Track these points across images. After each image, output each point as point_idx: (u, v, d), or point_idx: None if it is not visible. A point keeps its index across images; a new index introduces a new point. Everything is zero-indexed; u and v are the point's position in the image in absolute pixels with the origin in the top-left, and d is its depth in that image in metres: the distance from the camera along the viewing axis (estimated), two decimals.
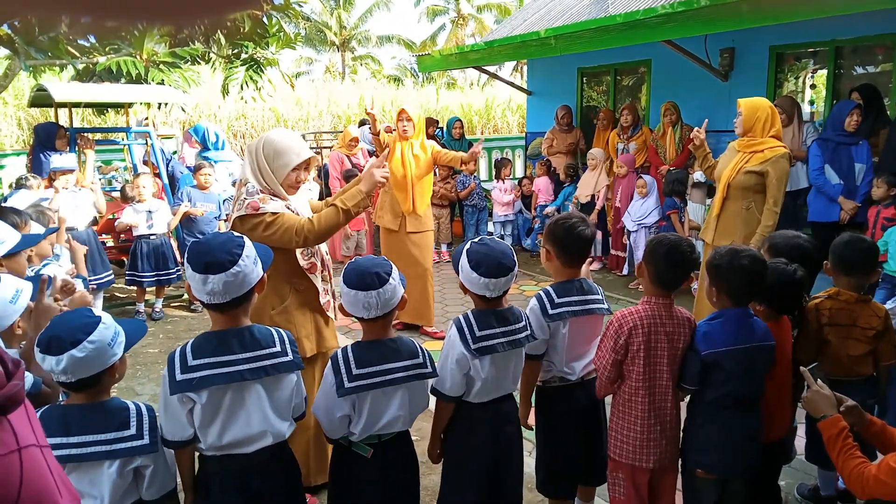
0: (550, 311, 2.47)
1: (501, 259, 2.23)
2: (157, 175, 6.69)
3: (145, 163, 7.25)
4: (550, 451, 2.65)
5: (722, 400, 2.35)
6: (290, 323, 2.80)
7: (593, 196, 7.30)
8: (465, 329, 2.25)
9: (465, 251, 2.29)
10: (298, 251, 2.81)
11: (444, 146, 8.42)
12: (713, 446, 2.38)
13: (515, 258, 2.31)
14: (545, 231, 2.65)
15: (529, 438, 3.25)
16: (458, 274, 2.34)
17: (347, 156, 7.66)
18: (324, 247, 3.00)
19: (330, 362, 2.12)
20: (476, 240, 2.32)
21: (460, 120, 8.83)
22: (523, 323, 2.35)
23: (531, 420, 2.69)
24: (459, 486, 2.36)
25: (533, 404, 2.69)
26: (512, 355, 2.33)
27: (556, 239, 2.55)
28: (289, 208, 2.77)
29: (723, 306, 2.41)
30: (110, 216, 6.28)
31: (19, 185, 5.47)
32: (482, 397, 2.31)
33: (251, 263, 1.96)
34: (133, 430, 1.82)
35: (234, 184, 6.60)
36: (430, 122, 8.59)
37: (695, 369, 2.35)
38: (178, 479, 2.02)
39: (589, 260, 2.67)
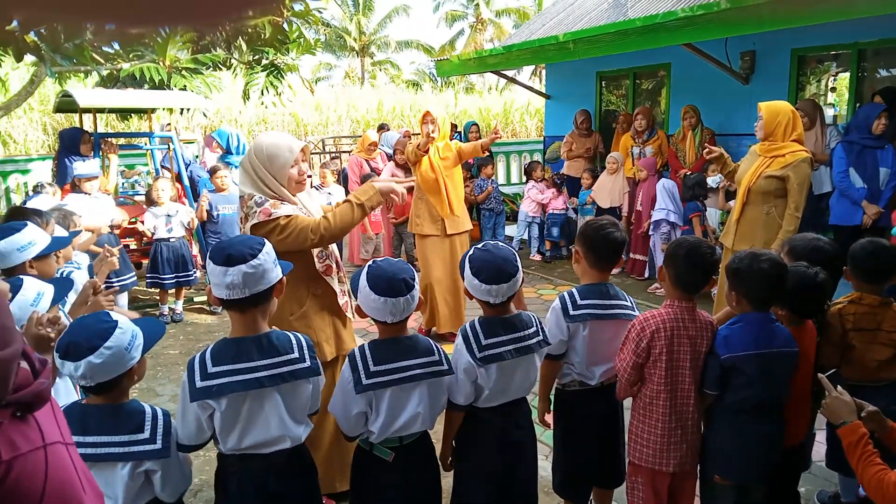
0: (572, 312, 2.46)
1: (502, 265, 2.22)
2: (178, 179, 6.78)
3: (164, 167, 7.35)
4: (568, 455, 2.64)
5: (740, 405, 2.33)
6: (310, 328, 2.80)
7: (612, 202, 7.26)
8: (472, 338, 2.24)
9: (467, 257, 2.29)
10: (314, 254, 2.82)
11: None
12: (731, 452, 2.36)
13: (519, 264, 2.28)
14: (578, 232, 2.67)
15: (546, 441, 3.25)
16: (463, 280, 2.35)
17: (366, 160, 7.71)
18: (335, 248, 3.01)
19: (347, 360, 2.14)
20: (479, 245, 2.32)
21: (476, 124, 8.83)
22: (534, 329, 2.33)
23: (548, 418, 2.69)
24: (470, 490, 2.36)
25: (551, 405, 2.69)
26: (521, 362, 2.30)
27: (586, 240, 2.56)
28: (301, 210, 2.77)
29: (743, 311, 2.39)
30: (133, 220, 6.37)
31: (36, 191, 5.57)
32: (491, 402, 2.30)
33: (270, 262, 1.98)
34: (147, 434, 1.85)
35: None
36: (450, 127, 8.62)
37: (714, 374, 2.34)
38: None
39: None
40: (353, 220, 2.76)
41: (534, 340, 2.31)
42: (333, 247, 2.98)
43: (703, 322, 2.37)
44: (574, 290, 2.53)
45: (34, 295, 2.20)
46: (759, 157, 4.10)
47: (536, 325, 2.35)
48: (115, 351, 1.78)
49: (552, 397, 2.69)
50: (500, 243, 2.36)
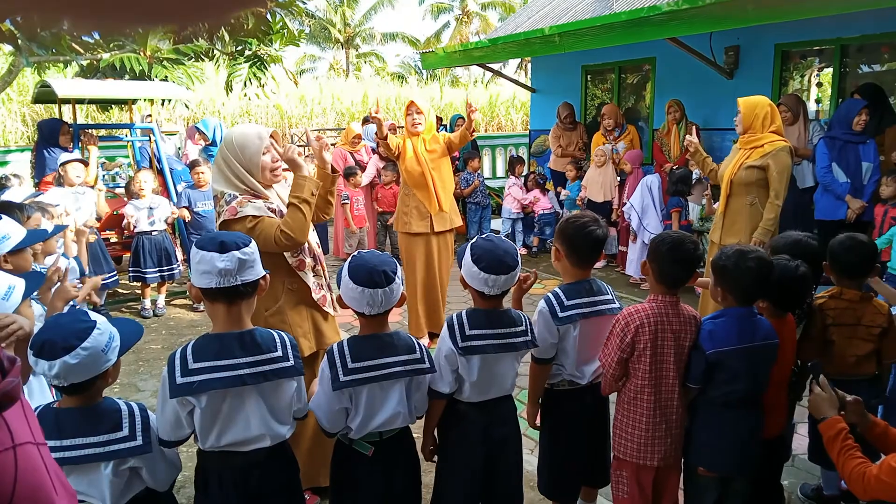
0: (560, 314, 2.43)
1: (504, 257, 2.21)
2: (160, 172, 6.69)
3: (144, 168, 7.25)
4: (555, 455, 2.62)
5: (725, 398, 2.34)
6: (285, 323, 2.75)
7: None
8: (456, 326, 2.24)
9: (469, 245, 2.28)
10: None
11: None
12: (715, 445, 2.37)
13: (519, 258, 2.28)
14: (557, 228, 2.61)
15: (533, 437, 3.24)
16: (460, 268, 2.33)
17: (350, 153, 7.66)
18: (314, 239, 2.96)
19: (326, 356, 2.12)
20: (482, 236, 2.31)
21: (462, 117, 8.80)
22: (522, 328, 2.31)
23: (537, 421, 2.67)
24: (451, 484, 2.35)
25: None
26: (505, 358, 2.30)
27: (566, 238, 2.51)
28: (270, 209, 2.70)
29: (728, 305, 2.40)
30: (114, 212, 6.28)
31: (2, 185, 5.45)
32: (475, 397, 2.29)
33: (257, 256, 1.98)
34: (126, 432, 1.82)
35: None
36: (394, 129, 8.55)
37: (700, 368, 2.34)
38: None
39: None
40: (305, 218, 2.63)
41: (520, 339, 2.29)
42: (310, 238, 2.92)
43: (687, 316, 2.37)
44: (559, 291, 2.49)
45: (4, 288, 2.14)
46: (739, 150, 4.15)
47: (526, 325, 2.33)
48: (92, 352, 1.74)
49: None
50: (503, 237, 2.35)
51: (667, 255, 2.33)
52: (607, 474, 2.60)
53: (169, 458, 1.96)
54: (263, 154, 2.70)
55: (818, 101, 6.99)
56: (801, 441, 3.23)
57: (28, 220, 3.21)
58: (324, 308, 2.92)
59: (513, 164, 8.32)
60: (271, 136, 2.75)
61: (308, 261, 2.87)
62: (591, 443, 2.60)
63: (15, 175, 5.45)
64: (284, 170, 2.82)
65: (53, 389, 2.20)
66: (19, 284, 2.19)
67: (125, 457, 1.81)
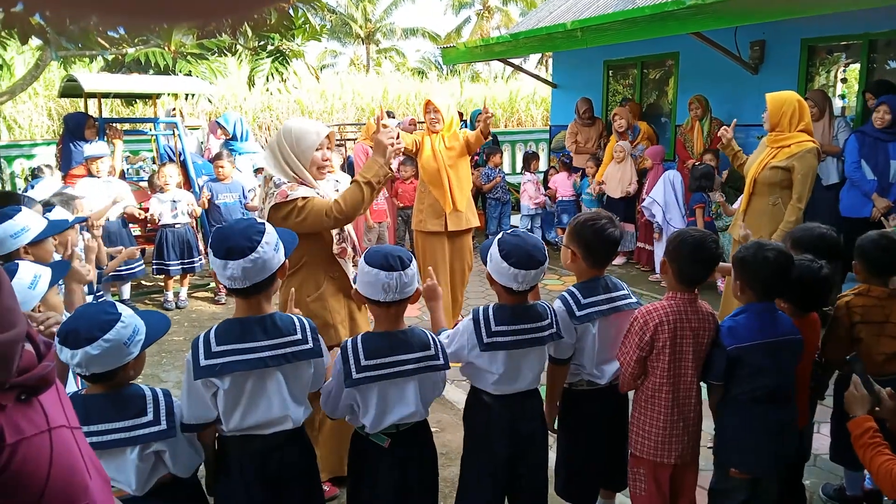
0: (578, 313, 2.40)
1: (532, 251, 2.20)
2: (183, 166, 6.77)
3: (171, 160, 7.33)
4: (573, 456, 2.60)
5: (751, 394, 2.32)
6: (326, 310, 2.85)
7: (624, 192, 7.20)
8: (482, 321, 2.24)
9: (496, 241, 2.27)
10: (333, 235, 2.85)
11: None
12: (746, 444, 2.34)
13: (546, 253, 2.28)
14: (570, 230, 2.55)
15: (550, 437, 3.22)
16: (485, 264, 2.32)
17: (371, 147, 7.67)
18: (353, 233, 3.02)
19: (340, 351, 2.13)
20: (509, 231, 2.30)
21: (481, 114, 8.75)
22: (548, 321, 2.30)
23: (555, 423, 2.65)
24: (477, 478, 2.36)
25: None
26: (532, 352, 2.30)
27: (583, 240, 2.47)
28: (318, 194, 2.81)
29: (748, 300, 2.38)
30: (138, 205, 6.37)
31: (35, 176, 5.56)
32: (501, 389, 2.30)
33: (271, 250, 1.97)
34: (150, 417, 1.86)
35: (255, 173, 6.63)
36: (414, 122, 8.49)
37: (721, 365, 2.32)
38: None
39: None
40: (363, 198, 2.76)
41: (546, 333, 2.29)
42: (351, 231, 3.00)
43: (705, 314, 2.36)
44: (574, 290, 2.47)
45: (31, 278, 2.19)
46: (766, 147, 4.09)
47: (551, 318, 2.32)
48: (113, 344, 1.78)
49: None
50: (529, 232, 2.34)
51: (688, 255, 2.31)
52: (625, 478, 2.58)
53: (192, 445, 2.00)
54: (317, 150, 2.81)
55: (843, 97, 6.88)
56: (822, 441, 3.20)
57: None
58: None
59: (528, 160, 8.25)
60: (328, 136, 2.85)
61: (350, 250, 2.96)
62: (610, 445, 2.58)
63: (48, 166, 5.56)
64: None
65: (78, 378, 2.24)
66: (45, 273, 2.24)
67: (150, 441, 1.84)
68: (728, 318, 2.38)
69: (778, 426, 2.35)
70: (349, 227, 2.99)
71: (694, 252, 2.30)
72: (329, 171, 2.97)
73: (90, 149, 5.69)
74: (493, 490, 2.35)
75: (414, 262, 2.16)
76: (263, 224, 2.03)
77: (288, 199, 2.69)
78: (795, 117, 3.96)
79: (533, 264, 2.20)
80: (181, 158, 6.69)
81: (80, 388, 2.27)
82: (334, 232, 2.86)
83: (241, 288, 1.95)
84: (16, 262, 2.29)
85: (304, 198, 2.71)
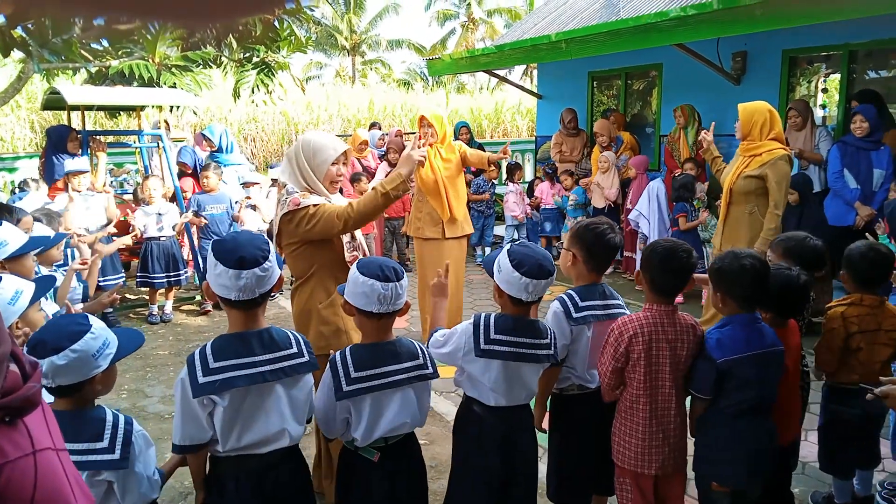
0: (575, 315, 2.43)
1: (543, 261, 2.22)
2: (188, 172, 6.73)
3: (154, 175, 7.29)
4: (564, 460, 2.60)
5: (737, 407, 2.32)
6: (337, 315, 2.84)
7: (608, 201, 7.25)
8: (482, 328, 2.24)
9: (505, 252, 2.27)
10: (343, 242, 2.88)
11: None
12: (727, 458, 2.34)
13: (555, 264, 2.29)
14: (571, 234, 2.58)
15: (542, 444, 3.22)
16: (492, 276, 2.32)
17: (357, 158, 7.68)
18: (363, 241, 3.04)
19: (329, 364, 2.11)
20: (516, 242, 2.32)
21: (467, 125, 8.76)
22: (547, 341, 2.30)
23: (545, 424, 2.66)
24: (468, 491, 2.34)
25: (548, 409, 2.65)
26: (526, 368, 2.29)
27: (584, 244, 2.50)
28: (328, 202, 2.85)
29: (730, 311, 2.38)
30: (122, 218, 6.31)
31: (22, 189, 5.51)
32: (493, 400, 2.28)
33: (275, 261, 1.99)
34: (105, 444, 1.78)
35: (243, 185, 6.62)
36: (400, 136, 8.47)
37: (710, 378, 2.31)
38: (174, 485, 2.01)
39: None
40: (377, 207, 2.80)
41: (543, 352, 2.28)
42: (361, 239, 3.02)
43: (684, 325, 2.35)
44: (572, 293, 2.50)
45: (11, 293, 2.14)
46: (740, 157, 4.15)
47: (551, 339, 2.32)
48: (81, 355, 1.74)
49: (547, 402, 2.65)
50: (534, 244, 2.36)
51: (658, 265, 2.31)
52: (612, 483, 2.59)
53: (146, 483, 1.88)
54: (332, 164, 2.85)
55: (824, 107, 6.97)
56: (810, 448, 3.21)
57: (18, 223, 3.18)
58: None
59: (511, 172, 8.23)
60: (344, 152, 2.90)
61: (361, 257, 2.95)
62: (601, 449, 2.58)
63: (34, 180, 5.51)
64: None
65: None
66: (27, 289, 2.19)
67: (99, 469, 1.76)
68: (713, 330, 2.37)
69: (758, 440, 2.35)
70: (360, 237, 3.02)
71: (664, 262, 2.31)
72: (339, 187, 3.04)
73: (71, 164, 5.64)
74: (485, 502, 2.33)
75: (406, 275, 2.16)
76: (264, 235, 2.04)
77: (300, 206, 2.73)
78: (766, 126, 4.02)
79: (543, 274, 2.21)
80: (192, 157, 6.67)
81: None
82: (345, 240, 2.88)
83: (246, 300, 1.92)
84: None
85: (315, 204, 2.75)
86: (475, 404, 2.32)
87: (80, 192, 5.43)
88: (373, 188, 2.87)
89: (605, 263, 2.54)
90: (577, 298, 2.46)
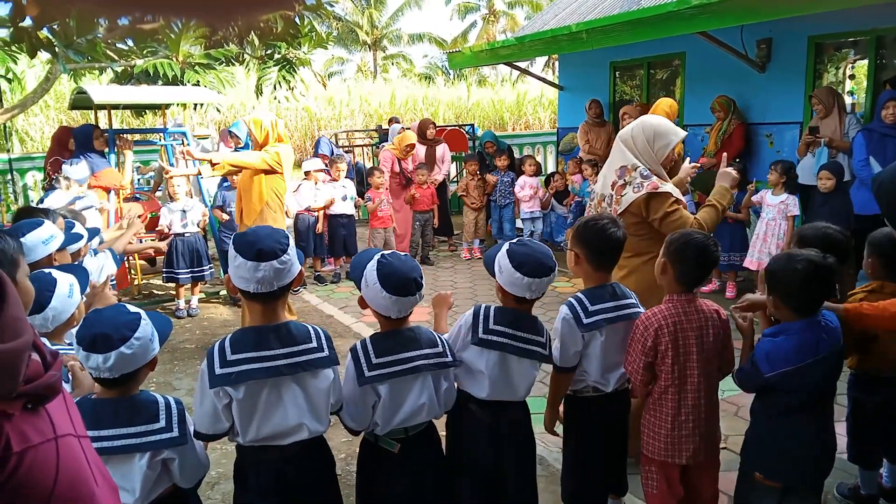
0: (586, 321, 2.36)
1: (543, 259, 2.22)
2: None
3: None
4: (580, 465, 2.57)
5: (790, 405, 2.26)
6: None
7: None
8: (481, 317, 2.25)
9: (504, 253, 2.25)
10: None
11: (483, 158, 8.25)
12: (780, 452, 2.28)
13: (554, 258, 2.28)
14: (572, 233, 2.54)
15: (550, 444, 3.19)
16: (494, 276, 2.31)
17: (400, 159, 7.59)
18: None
19: (350, 354, 2.14)
20: (514, 241, 2.30)
21: (493, 140, 8.76)
22: (543, 339, 2.30)
23: (558, 428, 2.62)
24: (458, 484, 2.33)
25: (560, 412, 2.62)
26: (521, 363, 2.28)
27: (585, 241, 2.45)
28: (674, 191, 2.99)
29: (784, 317, 2.26)
30: (150, 214, 6.42)
31: (52, 186, 5.60)
32: (489, 394, 2.26)
33: (294, 254, 2.01)
34: (162, 423, 1.86)
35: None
36: (427, 124, 8.26)
37: (753, 383, 2.29)
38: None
39: None
40: (717, 220, 3.00)
41: (537, 348, 2.28)
42: None
43: (707, 311, 2.35)
44: (581, 296, 2.43)
45: (67, 287, 2.27)
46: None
47: (546, 339, 2.32)
48: (143, 342, 1.82)
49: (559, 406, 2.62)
50: (526, 236, 2.35)
51: (692, 258, 2.30)
52: (625, 482, 2.60)
53: (200, 455, 1.99)
54: (672, 149, 3.02)
55: (852, 94, 6.83)
56: (840, 441, 3.17)
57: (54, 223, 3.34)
58: None
59: (519, 164, 8.10)
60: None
61: None
62: (616, 450, 2.56)
63: (65, 178, 5.56)
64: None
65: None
66: (75, 281, 2.33)
67: (161, 448, 1.84)
68: (765, 341, 2.26)
69: (814, 434, 2.28)
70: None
71: (699, 256, 2.30)
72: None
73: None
74: (479, 500, 2.32)
75: (423, 276, 2.16)
76: (285, 231, 2.07)
77: (659, 190, 2.87)
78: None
79: (545, 272, 2.21)
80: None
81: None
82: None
83: (265, 292, 1.95)
84: (44, 271, 2.33)
85: (676, 200, 2.89)
86: (469, 401, 2.31)
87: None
88: (710, 204, 3.00)
89: (608, 260, 2.48)
90: (586, 303, 2.40)
